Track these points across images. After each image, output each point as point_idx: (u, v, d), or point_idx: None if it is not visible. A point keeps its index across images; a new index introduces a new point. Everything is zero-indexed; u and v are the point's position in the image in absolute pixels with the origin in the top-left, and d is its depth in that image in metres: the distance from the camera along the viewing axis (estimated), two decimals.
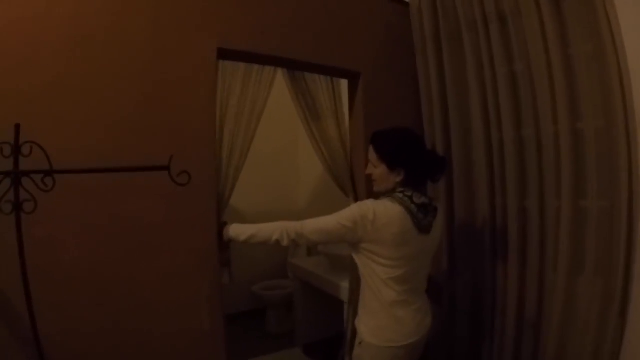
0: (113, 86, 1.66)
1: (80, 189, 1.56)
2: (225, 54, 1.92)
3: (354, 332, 1.71)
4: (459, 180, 2.29)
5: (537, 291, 1.96)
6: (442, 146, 2.35)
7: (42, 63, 1.54)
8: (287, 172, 4.34)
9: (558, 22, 1.82)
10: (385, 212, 1.49)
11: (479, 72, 2.16)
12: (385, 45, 2.43)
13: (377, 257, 1.52)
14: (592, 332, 1.74)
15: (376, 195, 1.62)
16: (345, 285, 2.51)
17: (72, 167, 1.34)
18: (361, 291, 1.65)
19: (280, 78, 2.23)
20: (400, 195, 1.55)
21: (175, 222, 1.78)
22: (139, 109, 1.71)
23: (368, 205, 1.50)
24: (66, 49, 1.58)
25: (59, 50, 1.57)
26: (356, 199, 2.27)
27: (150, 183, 1.65)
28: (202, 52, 1.84)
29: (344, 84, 2.43)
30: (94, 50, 1.63)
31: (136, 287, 1.70)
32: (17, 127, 1.28)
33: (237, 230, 1.71)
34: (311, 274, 3.03)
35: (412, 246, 1.54)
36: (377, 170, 1.61)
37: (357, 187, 2.38)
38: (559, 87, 1.81)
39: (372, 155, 1.63)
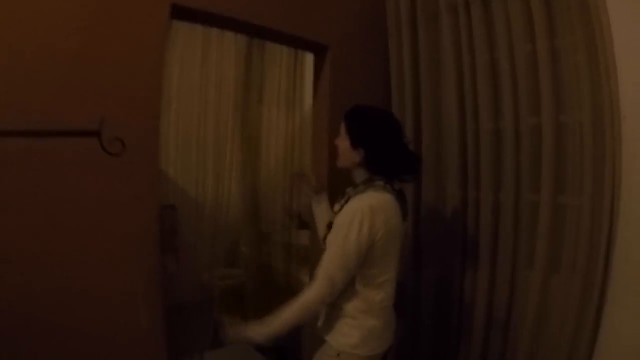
0: (42, 39, 1.39)
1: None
2: (180, 13, 1.68)
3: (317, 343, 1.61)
4: (428, 171, 2.20)
5: (508, 289, 1.90)
6: (412, 134, 2.23)
7: None
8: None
9: (545, 10, 1.73)
10: (384, 204, 1.44)
11: (456, 58, 2.05)
12: (357, 21, 2.26)
13: (375, 258, 1.44)
14: (567, 332, 1.69)
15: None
16: (304, 278, 2.36)
17: None
18: (338, 300, 1.50)
19: None
20: (381, 183, 1.48)
21: (110, 201, 1.54)
22: (72, 65, 1.44)
23: (365, 205, 1.41)
24: None
25: None
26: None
27: (80, 153, 1.41)
28: (153, 7, 1.60)
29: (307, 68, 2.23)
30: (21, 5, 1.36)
31: (61, 274, 1.46)
32: None
33: (259, 329, 1.47)
34: (265, 265, 2.86)
35: (400, 237, 1.52)
36: (341, 143, 1.57)
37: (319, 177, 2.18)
38: (543, 77, 1.73)
39: (342, 126, 1.58)
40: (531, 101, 1.78)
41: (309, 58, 2.26)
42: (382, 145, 1.50)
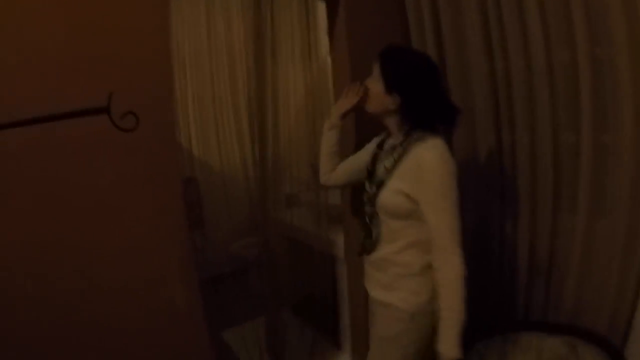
0: (37, 15, 1.29)
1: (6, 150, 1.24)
2: None
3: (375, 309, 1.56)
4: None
5: (550, 235, 1.80)
6: None
7: None
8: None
9: None
10: (448, 151, 1.36)
11: None
12: None
13: None
14: (613, 278, 1.61)
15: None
16: (336, 238, 2.31)
17: None
18: (402, 258, 1.44)
19: None
20: (429, 132, 1.40)
21: (128, 182, 1.46)
22: (69, 42, 1.34)
23: (446, 155, 1.34)
24: None
25: None
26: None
27: (90, 135, 1.33)
28: None
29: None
30: None
31: (88, 267, 1.41)
32: None
33: (452, 341, 1.34)
34: (293, 228, 2.82)
35: None
36: (374, 86, 1.44)
37: None
38: (575, 6, 1.56)
39: (376, 67, 1.44)
40: (562, 33, 1.62)
41: (321, 7, 2.12)
42: (421, 91, 1.38)
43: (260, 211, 3.90)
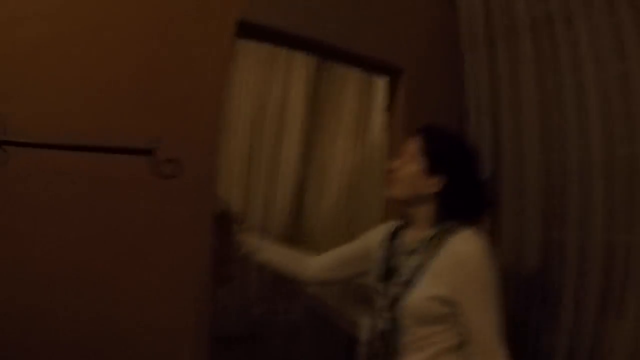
0: (104, 53, 1.41)
1: (50, 171, 1.30)
2: (247, 30, 1.66)
3: None
4: (507, 208, 1.98)
5: (591, 341, 1.62)
6: (490, 166, 2.04)
7: (24, 23, 1.30)
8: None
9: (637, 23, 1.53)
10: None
11: (539, 80, 1.87)
12: (431, 41, 2.18)
13: None
14: None
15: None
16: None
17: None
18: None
19: None
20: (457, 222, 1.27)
21: (160, 226, 1.47)
22: (131, 84, 1.44)
23: (486, 248, 1.22)
24: (53, 8, 1.34)
25: (44, 8, 1.33)
26: None
27: (134, 173, 1.36)
28: (218, 24, 1.59)
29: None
30: (86, 10, 1.39)
31: (110, 295, 1.41)
32: None
33: None
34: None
35: None
36: (410, 166, 1.29)
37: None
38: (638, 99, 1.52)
39: (413, 145, 1.31)
40: (625, 128, 1.57)
41: (381, 84, 2.18)
42: (467, 175, 1.28)
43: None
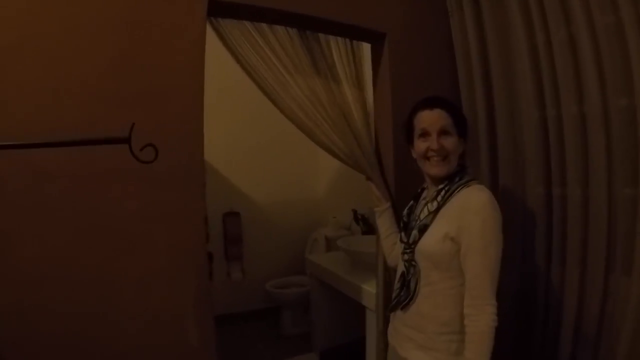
0: (74, 50, 1.40)
1: (31, 170, 1.32)
2: (219, 9, 1.61)
3: None
4: (505, 166, 1.98)
5: (600, 299, 1.63)
6: (485, 126, 2.03)
7: None
8: (304, 157, 4.04)
9: None
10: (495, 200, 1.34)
11: (528, 35, 1.81)
12: (413, 4, 2.10)
13: None
14: None
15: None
16: (368, 288, 2.22)
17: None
18: (439, 313, 1.36)
19: None
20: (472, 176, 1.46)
21: (152, 212, 1.50)
22: (105, 77, 1.44)
23: (492, 200, 1.32)
24: (27, 9, 1.34)
25: (19, 9, 1.32)
26: (385, 182, 1.94)
27: (117, 163, 1.38)
28: (189, 5, 1.56)
29: (365, 52, 2.08)
30: (51, 11, 1.37)
31: (105, 288, 1.45)
32: None
33: None
34: (329, 272, 2.75)
35: None
36: (452, 140, 1.40)
37: (383, 167, 2.04)
38: (633, 50, 1.45)
39: (444, 121, 1.40)
40: (620, 79, 1.52)
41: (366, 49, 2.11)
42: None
43: (301, 251, 3.89)
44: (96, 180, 1.41)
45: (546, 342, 1.81)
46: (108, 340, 1.45)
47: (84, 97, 1.40)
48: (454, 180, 1.41)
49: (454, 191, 1.38)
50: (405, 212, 1.59)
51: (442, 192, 1.40)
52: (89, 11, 1.41)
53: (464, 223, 1.30)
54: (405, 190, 1.82)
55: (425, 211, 1.43)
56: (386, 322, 1.72)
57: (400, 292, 1.47)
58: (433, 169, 1.41)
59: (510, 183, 1.96)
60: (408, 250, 1.44)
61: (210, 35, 1.67)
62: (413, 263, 1.42)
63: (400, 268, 1.51)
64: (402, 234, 1.53)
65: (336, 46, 2.01)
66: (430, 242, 1.36)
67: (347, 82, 2.04)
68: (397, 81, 2.02)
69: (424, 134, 1.41)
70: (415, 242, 1.41)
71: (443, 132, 1.39)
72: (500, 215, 1.31)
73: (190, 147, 1.56)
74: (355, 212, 3.25)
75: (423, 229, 1.40)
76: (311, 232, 3.84)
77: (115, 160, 1.35)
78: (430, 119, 1.40)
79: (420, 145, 1.43)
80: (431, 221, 1.39)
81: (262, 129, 3.76)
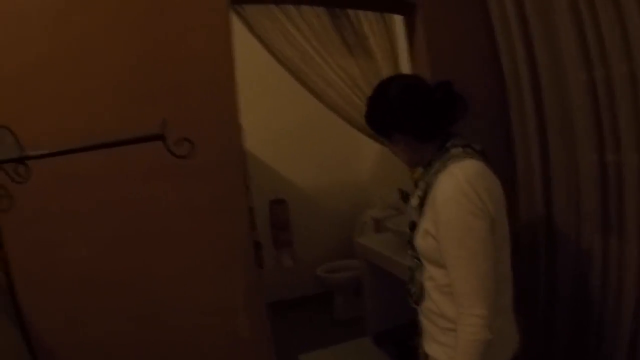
0: (102, 55, 1.43)
1: (69, 176, 1.37)
2: None
3: None
4: (553, 134, 1.87)
5: None
6: (530, 93, 1.92)
7: (24, 41, 1.36)
8: (347, 139, 4.01)
9: None
10: (480, 171, 1.15)
11: None
12: None
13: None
14: None
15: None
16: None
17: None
18: (445, 306, 1.23)
19: None
20: (460, 149, 1.20)
21: (194, 206, 1.52)
22: (134, 76, 1.47)
23: (462, 183, 1.12)
24: (51, 20, 1.38)
25: (43, 22, 1.37)
26: None
27: (153, 160, 1.38)
28: None
29: (397, 25, 2.03)
30: (81, 15, 1.41)
31: (153, 287, 1.49)
32: None
33: None
34: (379, 254, 2.73)
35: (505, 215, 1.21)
36: (390, 145, 1.34)
37: None
38: None
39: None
40: None
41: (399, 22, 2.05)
42: (408, 116, 1.23)
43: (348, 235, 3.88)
44: (134, 179, 1.45)
45: (605, 327, 1.71)
46: (157, 338, 1.49)
47: (114, 98, 1.44)
48: (432, 167, 1.25)
49: (432, 182, 1.22)
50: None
51: (422, 185, 1.27)
52: (111, 12, 1.44)
53: (436, 216, 1.16)
54: None
55: (411, 207, 1.33)
56: None
57: (409, 285, 1.39)
58: None
59: (561, 151, 1.85)
60: (411, 246, 1.36)
61: (240, 24, 1.66)
62: (415, 258, 1.34)
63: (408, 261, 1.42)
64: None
65: (367, 21, 1.97)
66: (418, 239, 1.27)
67: (381, 57, 2.00)
68: (434, 52, 1.95)
69: None
70: (412, 239, 1.32)
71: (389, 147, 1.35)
72: (482, 197, 1.11)
73: (227, 138, 1.57)
74: (401, 190, 3.19)
75: (412, 227, 1.31)
76: (359, 215, 3.81)
77: (151, 158, 1.35)
78: None
79: None
80: (418, 217, 1.27)
81: (302, 114, 3.73)
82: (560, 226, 1.90)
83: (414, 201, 1.30)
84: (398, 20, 2.01)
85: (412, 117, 1.23)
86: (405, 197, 3.16)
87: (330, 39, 1.87)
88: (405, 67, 2.00)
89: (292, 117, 3.78)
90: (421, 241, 1.24)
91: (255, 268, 1.62)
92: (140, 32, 1.48)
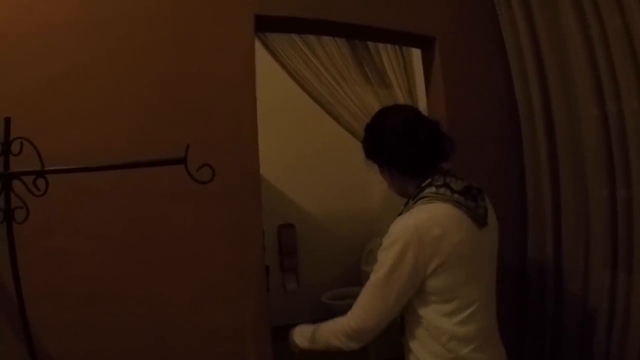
0: (124, 75, 1.49)
1: (85, 192, 1.40)
2: (265, 23, 1.68)
3: None
4: (565, 167, 1.91)
5: None
6: (542, 126, 1.97)
7: (50, 54, 1.41)
8: (358, 167, 4.06)
9: None
10: (434, 220, 1.16)
11: (581, 28, 1.74)
12: (462, 5, 2.09)
13: (441, 288, 1.18)
14: None
15: None
16: None
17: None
18: (412, 344, 1.28)
19: None
20: (433, 189, 1.21)
21: (209, 229, 1.55)
22: (157, 98, 1.52)
23: (408, 228, 1.16)
24: (77, 35, 1.44)
25: (69, 36, 1.43)
26: None
27: (174, 183, 1.41)
28: (236, 20, 1.62)
29: (415, 58, 2.10)
30: (107, 32, 1.47)
31: (164, 309, 1.50)
32: (7, 121, 1.14)
33: (300, 337, 1.46)
34: None
35: (481, 251, 1.23)
36: (381, 173, 1.39)
37: None
38: None
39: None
40: None
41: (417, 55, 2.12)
42: (394, 151, 1.28)
43: (356, 263, 3.88)
44: (151, 199, 1.48)
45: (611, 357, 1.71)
46: (163, 358, 1.50)
47: (136, 118, 1.48)
48: (408, 204, 1.29)
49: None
50: None
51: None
52: (137, 33, 1.50)
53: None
54: None
55: None
56: None
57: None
58: None
59: (572, 185, 1.89)
60: None
61: (257, 47, 1.73)
62: None
63: None
64: None
65: (385, 53, 2.04)
66: None
67: (398, 89, 2.07)
68: (450, 85, 2.01)
69: None
70: None
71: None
72: (421, 245, 1.14)
73: (246, 163, 1.61)
74: None
75: None
76: (367, 242, 3.84)
77: (169, 180, 1.39)
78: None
79: None
80: None
81: (314, 140, 3.81)
82: (568, 260, 1.93)
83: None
84: (416, 54, 2.09)
85: (396, 152, 1.28)
86: None
87: (350, 71, 1.95)
88: (422, 98, 2.07)
89: (304, 143, 3.85)
90: None
91: (264, 293, 1.64)
92: (167, 54, 1.53)
